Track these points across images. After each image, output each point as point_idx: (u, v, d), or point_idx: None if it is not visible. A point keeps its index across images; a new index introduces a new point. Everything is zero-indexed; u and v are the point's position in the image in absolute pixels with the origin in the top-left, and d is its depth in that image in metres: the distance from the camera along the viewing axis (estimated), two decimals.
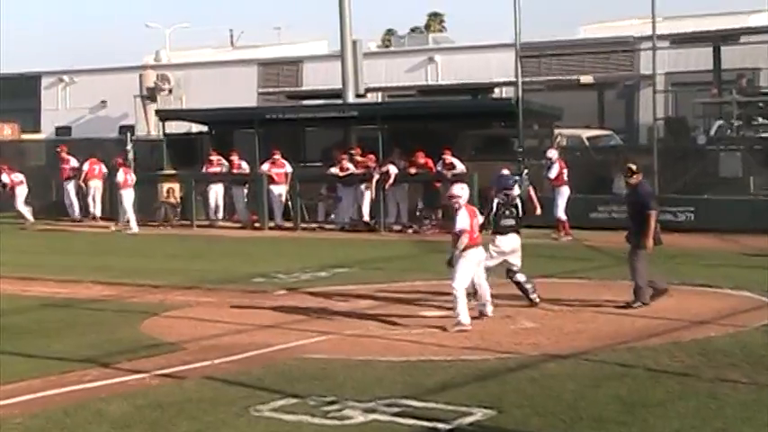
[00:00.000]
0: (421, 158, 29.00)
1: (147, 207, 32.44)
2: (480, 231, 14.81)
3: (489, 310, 14.88)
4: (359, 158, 30.20)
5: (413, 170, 29.16)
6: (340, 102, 34.28)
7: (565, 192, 26.46)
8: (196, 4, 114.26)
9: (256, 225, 30.61)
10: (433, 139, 29.20)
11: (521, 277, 15.80)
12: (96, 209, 33.51)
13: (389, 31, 73.27)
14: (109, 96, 50.34)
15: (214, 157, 32.16)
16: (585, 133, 33.17)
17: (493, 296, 15.03)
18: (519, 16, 28.91)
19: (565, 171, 26.65)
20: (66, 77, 53.05)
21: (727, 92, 30.68)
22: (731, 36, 31.88)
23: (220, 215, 32.15)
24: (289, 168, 30.83)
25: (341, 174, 30.07)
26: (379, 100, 41.29)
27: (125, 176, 31.13)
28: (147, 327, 15.10)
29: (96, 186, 33.52)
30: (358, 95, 34.69)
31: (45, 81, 53.45)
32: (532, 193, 26.18)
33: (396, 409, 10.08)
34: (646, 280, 15.63)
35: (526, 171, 28.16)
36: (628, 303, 15.50)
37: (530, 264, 16.67)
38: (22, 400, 10.84)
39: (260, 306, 16.53)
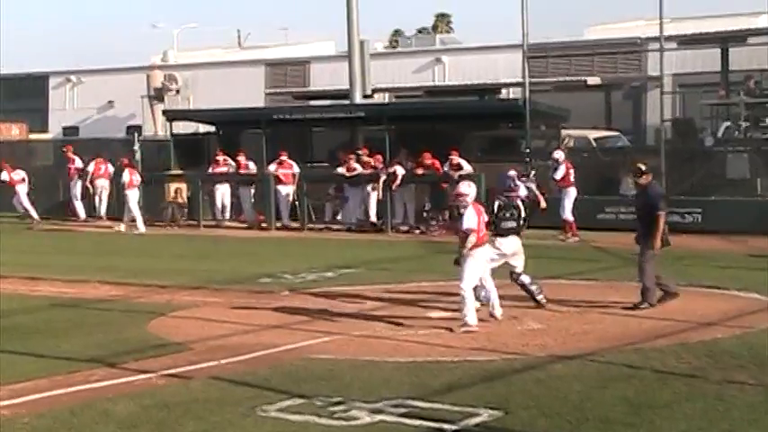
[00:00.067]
0: (428, 159, 28.99)
1: (154, 207, 32.49)
2: (487, 229, 14.77)
3: (498, 312, 14.81)
4: (365, 159, 30.20)
5: (420, 171, 29.15)
6: (347, 102, 34.29)
7: (572, 193, 26.43)
8: (203, 4, 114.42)
9: (263, 225, 30.62)
10: (440, 140, 29.18)
11: (525, 279, 15.74)
12: (102, 209, 33.56)
13: (397, 32, 73.37)
14: (116, 96, 50.45)
15: (220, 158, 32.18)
16: (593, 134, 33.14)
17: (499, 297, 15.00)
18: (526, 17, 28.90)
19: (571, 172, 26.61)
20: (73, 77, 53.17)
21: (734, 93, 30.65)
22: (739, 37, 31.88)
23: (227, 215, 32.16)
24: (296, 169, 30.83)
25: (348, 174, 30.08)
26: (386, 100, 41.31)
27: (131, 177, 31.17)
28: (154, 327, 15.12)
29: (103, 186, 33.58)
30: (365, 96, 34.71)
31: (53, 81, 53.56)
32: (535, 189, 26.52)
33: (402, 410, 10.08)
34: (653, 281, 15.60)
35: (533, 172, 28.15)
36: (635, 305, 15.48)
37: (537, 265, 16.68)
38: (29, 399, 10.86)
39: (266, 306, 16.54)
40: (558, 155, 27.00)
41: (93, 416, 10.18)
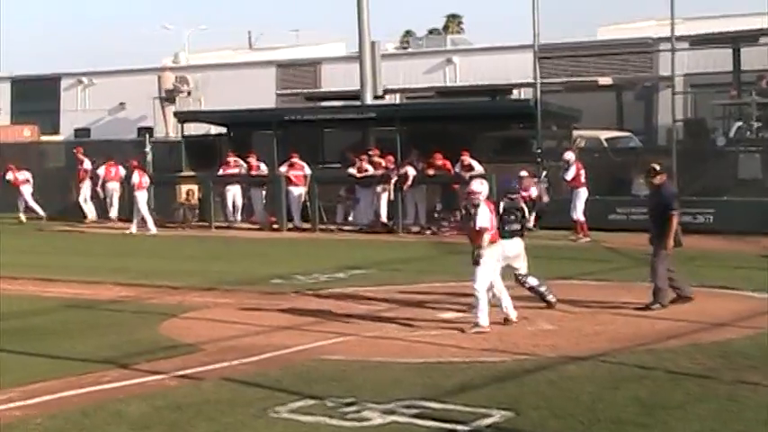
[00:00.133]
0: (439, 160, 28.98)
1: (165, 209, 32.54)
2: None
3: (513, 315, 14.68)
4: (376, 160, 30.20)
5: (431, 171, 29.15)
6: (358, 103, 34.30)
7: (583, 193, 26.40)
8: (214, 6, 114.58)
9: (274, 226, 30.64)
10: (452, 141, 29.17)
11: (532, 281, 15.66)
12: (114, 211, 33.61)
13: (408, 33, 73.43)
14: (127, 98, 50.59)
15: (231, 159, 32.20)
16: (604, 135, 33.10)
17: (511, 298, 14.97)
18: (537, 17, 28.88)
19: (582, 172, 26.59)
20: (85, 79, 53.32)
21: (746, 93, 30.61)
22: (750, 37, 31.79)
23: (239, 217, 32.19)
24: (307, 170, 30.83)
25: (359, 175, 30.09)
26: (398, 101, 41.33)
27: (140, 178, 31.24)
28: (166, 328, 15.13)
29: (114, 189, 33.63)
30: (376, 97, 34.72)
31: (64, 83, 53.72)
32: (542, 191, 26.83)
33: (414, 411, 10.07)
34: (666, 282, 15.56)
35: (545, 172, 28.15)
36: (646, 305, 15.45)
37: (548, 265, 16.67)
38: (41, 400, 10.87)
39: (277, 308, 16.53)
40: (569, 156, 26.98)
41: (105, 417, 10.19)
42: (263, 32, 66.40)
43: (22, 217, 34.76)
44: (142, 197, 31.06)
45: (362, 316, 15.63)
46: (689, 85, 34.99)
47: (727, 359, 12.06)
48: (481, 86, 38.96)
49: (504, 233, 15.11)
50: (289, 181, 30.63)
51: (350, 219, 31.06)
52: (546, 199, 27.86)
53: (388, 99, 39.10)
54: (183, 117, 37.58)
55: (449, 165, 28.94)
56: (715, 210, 26.35)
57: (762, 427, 9.47)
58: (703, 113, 33.29)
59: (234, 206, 32.18)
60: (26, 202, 35.05)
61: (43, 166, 37.88)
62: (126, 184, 32.58)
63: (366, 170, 30.01)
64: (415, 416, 9.93)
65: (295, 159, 30.77)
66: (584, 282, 18.78)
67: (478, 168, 28.07)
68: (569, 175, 26.58)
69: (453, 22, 79.67)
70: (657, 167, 16.16)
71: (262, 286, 18.85)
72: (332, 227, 30.31)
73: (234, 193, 32.14)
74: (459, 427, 9.56)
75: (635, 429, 9.43)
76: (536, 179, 28.50)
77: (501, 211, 15.38)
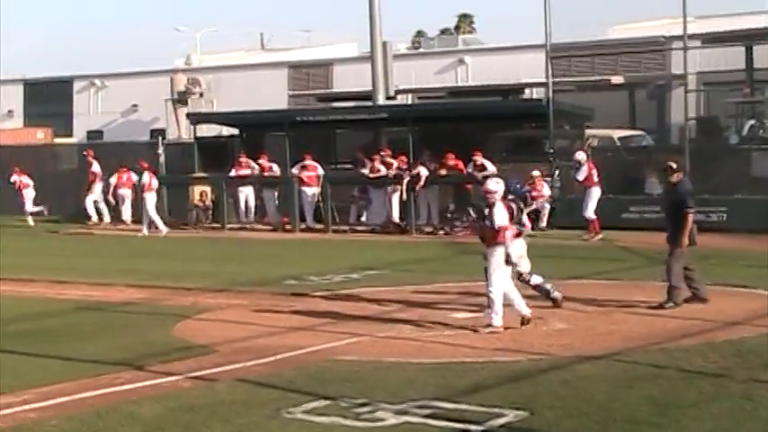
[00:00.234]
0: (451, 160, 28.98)
1: (178, 210, 32.58)
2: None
3: (527, 311, 14.48)
4: (388, 160, 30.21)
5: (443, 172, 29.15)
6: (370, 104, 34.31)
7: (595, 192, 26.37)
8: (226, 7, 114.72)
9: (287, 227, 30.66)
10: (464, 141, 29.16)
11: (536, 279, 15.64)
12: (126, 214, 33.64)
13: (419, 33, 73.39)
14: (140, 100, 50.65)
15: (243, 160, 32.22)
16: (617, 133, 33.07)
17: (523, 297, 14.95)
18: (549, 17, 28.87)
19: (594, 172, 26.57)
20: (97, 81, 53.41)
21: (759, 91, 30.58)
22: (763, 35, 31.69)
23: (251, 218, 32.21)
24: (320, 170, 30.84)
25: (372, 175, 30.10)
26: (410, 102, 41.31)
27: (150, 180, 31.31)
28: (179, 329, 15.15)
29: (126, 194, 33.56)
30: (388, 97, 34.71)
31: (77, 85, 53.80)
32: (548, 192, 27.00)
33: (427, 411, 10.07)
34: (681, 280, 15.54)
35: (557, 172, 28.13)
36: (660, 303, 15.43)
37: (561, 265, 16.66)
38: (56, 402, 10.89)
39: (291, 308, 16.55)
40: (580, 156, 26.96)
41: (119, 418, 10.21)
42: (275, 33, 66.61)
43: (30, 221, 34.71)
44: (151, 199, 31.13)
45: (375, 316, 15.63)
46: (701, 83, 34.89)
47: (741, 358, 12.03)
48: (493, 86, 38.90)
49: None
50: (301, 181, 30.65)
51: (362, 219, 31.07)
52: (547, 193, 28.01)
53: (400, 99, 39.09)
54: (195, 119, 37.62)
55: (461, 165, 28.94)
56: (728, 208, 26.30)
57: None
58: (716, 112, 33.24)
59: (246, 207, 32.23)
60: (25, 208, 35.15)
61: (56, 169, 37.98)
62: (137, 188, 32.61)
63: (379, 170, 30.02)
64: (429, 416, 9.93)
65: (308, 161, 30.79)
66: (597, 281, 18.76)
67: (491, 168, 28.05)
68: (581, 176, 26.57)
69: (465, 21, 79.63)
70: (674, 165, 16.18)
71: (275, 287, 18.86)
72: (344, 227, 30.33)
73: (246, 194, 32.19)
74: (472, 427, 9.55)
75: (649, 429, 9.41)
76: (548, 178, 28.51)
77: None
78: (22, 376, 12.05)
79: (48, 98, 53.25)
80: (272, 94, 43.73)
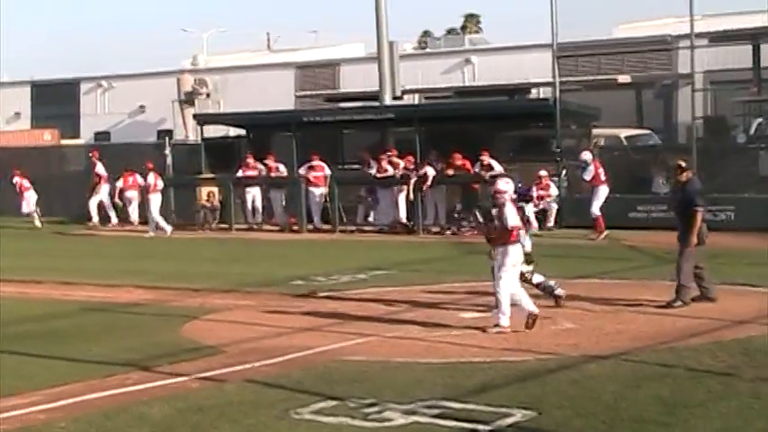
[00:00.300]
0: (458, 160, 28.97)
1: (186, 211, 32.60)
2: None
3: (535, 309, 14.34)
4: (395, 160, 30.21)
5: (450, 172, 29.14)
6: (377, 104, 34.31)
7: (602, 191, 26.36)
8: (233, 8, 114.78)
9: (294, 228, 30.67)
10: (471, 141, 29.15)
11: (538, 278, 15.62)
12: (134, 215, 33.65)
13: (426, 33, 73.40)
14: (147, 101, 50.73)
15: (250, 160, 32.22)
16: (624, 133, 33.04)
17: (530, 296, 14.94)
18: (555, 16, 28.85)
19: (601, 171, 26.55)
20: (104, 83, 53.50)
21: (766, 90, 30.49)
22: None
23: (259, 218, 32.22)
24: (327, 171, 30.84)
25: (379, 175, 30.10)
26: (416, 102, 41.31)
27: (155, 181, 31.32)
28: (187, 330, 15.17)
29: (132, 197, 33.53)
30: (395, 97, 34.73)
31: (84, 86, 53.89)
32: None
33: (436, 411, 10.07)
34: (690, 279, 15.53)
35: (564, 172, 28.11)
36: (668, 302, 15.42)
37: (568, 264, 16.65)
38: (65, 403, 10.91)
39: (298, 309, 16.55)
40: (586, 156, 26.94)
41: (128, 419, 10.23)
42: (282, 34, 66.69)
43: (37, 222, 34.75)
44: (155, 200, 31.15)
45: (383, 317, 15.63)
46: (708, 82, 34.89)
47: (749, 356, 12.03)
48: (500, 86, 38.90)
49: None
50: (308, 182, 30.65)
51: (370, 219, 31.07)
52: (549, 199, 27.98)
53: (407, 99, 39.09)
54: (202, 119, 37.65)
55: (468, 165, 28.93)
56: (736, 207, 26.25)
57: None
58: (723, 110, 33.18)
59: (254, 208, 32.23)
60: (22, 209, 35.25)
61: (63, 170, 38.02)
62: (144, 189, 32.63)
63: (386, 170, 30.02)
64: (437, 416, 9.93)
65: (315, 162, 30.78)
66: (604, 280, 18.75)
67: (498, 168, 28.05)
68: (587, 176, 26.57)
69: (471, 21, 79.56)
70: (683, 164, 16.18)
71: (283, 288, 18.86)
72: (352, 228, 30.34)
73: (254, 194, 32.18)
74: (480, 426, 9.55)
75: (657, 428, 9.41)
76: (555, 178, 28.50)
77: None
78: (29, 378, 12.08)
79: (55, 100, 53.34)
80: (278, 95, 43.76)
